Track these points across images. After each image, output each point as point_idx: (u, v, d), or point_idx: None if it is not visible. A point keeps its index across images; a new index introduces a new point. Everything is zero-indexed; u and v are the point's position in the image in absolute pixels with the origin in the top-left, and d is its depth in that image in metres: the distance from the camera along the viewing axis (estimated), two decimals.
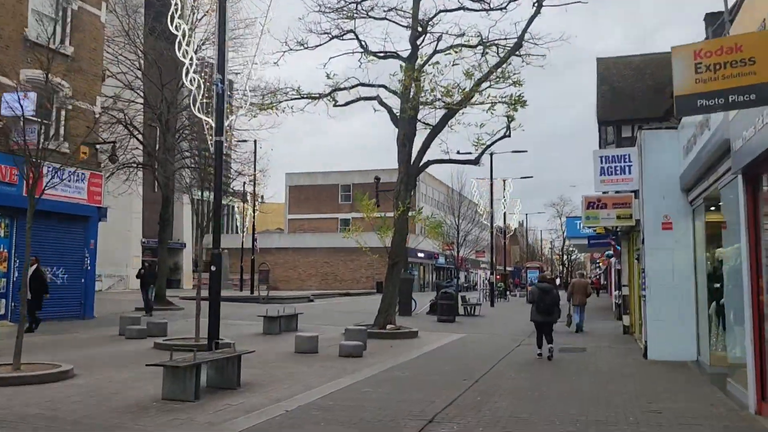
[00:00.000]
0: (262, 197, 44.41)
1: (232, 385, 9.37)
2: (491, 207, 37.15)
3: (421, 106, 17.10)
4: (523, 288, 58.07)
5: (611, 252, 21.67)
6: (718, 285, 12.07)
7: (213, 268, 11.85)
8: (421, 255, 60.99)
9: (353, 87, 18.30)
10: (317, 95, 18.42)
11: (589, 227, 19.33)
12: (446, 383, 10.34)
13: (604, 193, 13.70)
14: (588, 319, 24.58)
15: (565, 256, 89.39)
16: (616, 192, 13.72)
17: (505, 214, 41.25)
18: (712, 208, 11.66)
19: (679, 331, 12.74)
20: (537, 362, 13.07)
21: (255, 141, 33.78)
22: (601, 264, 61.83)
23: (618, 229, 20.12)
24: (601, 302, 41.82)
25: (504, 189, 39.27)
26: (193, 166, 27.06)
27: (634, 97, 27.69)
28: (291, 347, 13.91)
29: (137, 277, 25.76)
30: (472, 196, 35.81)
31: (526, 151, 48.02)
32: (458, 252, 28.15)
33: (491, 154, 37.55)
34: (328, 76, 18.02)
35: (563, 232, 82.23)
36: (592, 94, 33.40)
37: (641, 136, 13.26)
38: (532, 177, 42.02)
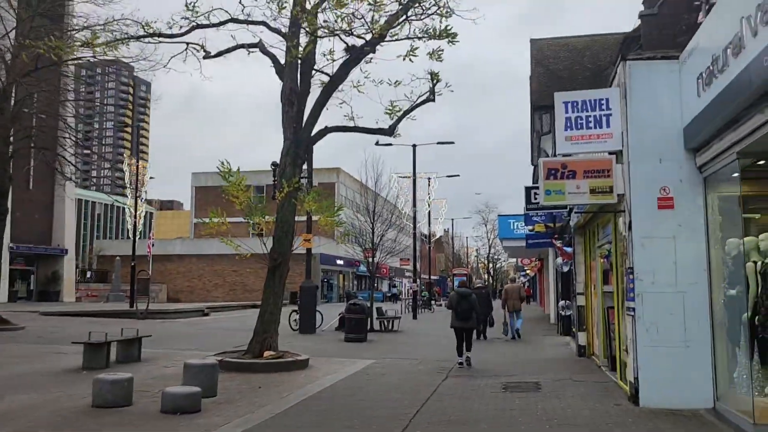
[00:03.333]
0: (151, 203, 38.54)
1: None
2: (414, 206, 32.74)
3: (316, 43, 12.31)
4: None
5: (559, 256, 17.44)
6: (751, 292, 7.85)
7: None
8: (340, 262, 56.15)
9: (222, 24, 13.29)
10: (171, 34, 13.30)
11: (548, 209, 15.01)
12: None
13: (565, 156, 9.23)
14: (526, 333, 20.84)
15: (490, 264, 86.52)
16: (590, 155, 9.36)
17: (429, 214, 37.11)
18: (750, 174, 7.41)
19: (686, 363, 8.39)
20: (473, 413, 8.45)
21: (136, 125, 28.09)
22: (529, 272, 58.80)
23: (567, 220, 15.89)
24: (530, 313, 38.07)
25: (429, 187, 35.08)
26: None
27: (573, 80, 24.24)
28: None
29: None
30: (392, 196, 31.36)
31: (458, 176, 44.26)
32: (374, 257, 23.35)
33: (414, 146, 33.23)
34: (188, 7, 12.91)
35: (489, 240, 79.28)
36: (525, 114, 29.57)
37: (625, 70, 8.91)
38: (458, 175, 38.07)
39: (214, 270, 52.77)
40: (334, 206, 13.65)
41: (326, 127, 13.83)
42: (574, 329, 16.37)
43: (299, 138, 13.29)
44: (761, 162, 7.52)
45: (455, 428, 7.61)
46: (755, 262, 8.09)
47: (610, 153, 9.06)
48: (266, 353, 12.57)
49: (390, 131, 14.12)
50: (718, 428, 7.35)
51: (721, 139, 7.58)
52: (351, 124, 14.08)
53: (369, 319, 22.08)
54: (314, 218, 15.01)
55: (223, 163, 12.60)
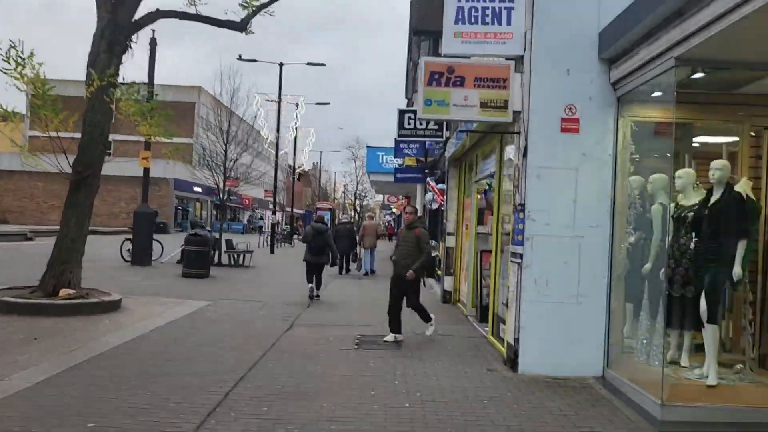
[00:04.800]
0: None
1: None
2: (277, 131, 29.98)
3: None
4: None
5: (430, 192, 15.81)
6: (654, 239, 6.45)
7: None
8: (197, 189, 52.19)
9: None
10: None
11: (428, 120, 13.09)
12: None
13: (454, 57, 7.19)
14: (388, 274, 19.44)
15: (357, 201, 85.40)
16: (483, 59, 7.36)
17: (295, 141, 34.51)
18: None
19: (577, 323, 6.89)
20: (314, 381, 6.47)
21: None
22: (395, 210, 58.25)
23: (441, 153, 14.18)
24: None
25: (297, 110, 32.35)
26: None
27: None
28: None
29: None
30: (251, 115, 28.26)
31: (329, 104, 41.49)
32: (224, 181, 20.64)
33: (281, 64, 30.22)
34: None
35: (358, 176, 77.78)
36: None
37: None
38: (329, 104, 35.58)
39: (51, 190, 47.02)
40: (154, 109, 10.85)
41: (157, 10, 10.89)
42: (439, 272, 14.95)
43: (119, 20, 10.28)
44: (697, 75, 5.90)
45: (284, 405, 5.59)
46: (662, 205, 6.64)
47: (508, 58, 7.16)
48: (63, 291, 9.86)
49: (242, 25, 11.47)
50: (615, 408, 5.87)
51: (651, 43, 5.85)
52: (192, 10, 11.25)
53: (216, 252, 19.61)
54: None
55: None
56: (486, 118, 7.12)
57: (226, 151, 20.49)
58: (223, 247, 20.32)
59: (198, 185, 49.90)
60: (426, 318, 9.00)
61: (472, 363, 7.47)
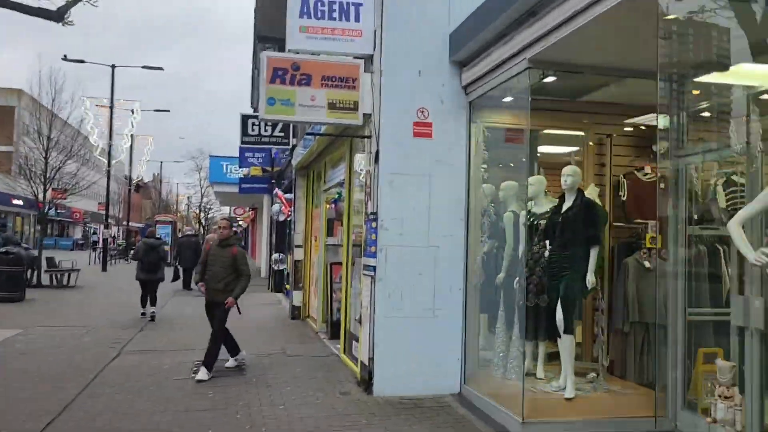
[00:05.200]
0: None
1: None
2: (110, 139, 27.61)
3: None
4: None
5: (278, 202, 15.02)
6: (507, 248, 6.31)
7: None
8: (18, 202, 47.06)
9: None
10: None
11: (273, 123, 12.25)
12: None
13: (295, 54, 6.58)
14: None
15: (202, 213, 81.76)
16: (333, 57, 6.79)
17: (131, 149, 32.04)
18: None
19: (434, 338, 6.52)
20: (139, 422, 5.53)
21: None
22: (242, 222, 56.40)
23: (288, 161, 13.51)
24: None
25: (132, 116, 29.99)
26: None
27: None
28: None
29: None
30: (76, 119, 25.67)
31: (168, 111, 39.15)
32: (45, 192, 18.44)
33: (113, 66, 27.95)
34: None
35: (202, 187, 74.43)
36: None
37: None
38: (168, 111, 33.56)
39: None
40: None
41: None
42: (287, 286, 14.23)
43: None
44: (549, 79, 5.77)
45: None
46: (514, 213, 6.51)
47: (358, 57, 6.68)
48: None
49: (58, 15, 10.05)
50: (476, 429, 5.53)
51: (504, 44, 5.64)
52: None
53: (35, 272, 17.42)
54: None
55: None
56: (335, 120, 6.58)
57: (46, 158, 18.30)
58: (44, 266, 18.12)
59: (18, 197, 45.06)
60: (233, 348, 7.77)
61: (324, 386, 6.86)
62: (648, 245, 6.36)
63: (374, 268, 6.45)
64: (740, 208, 6.53)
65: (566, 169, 5.84)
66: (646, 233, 6.78)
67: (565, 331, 5.56)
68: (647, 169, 6.98)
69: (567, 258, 5.69)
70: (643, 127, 7.30)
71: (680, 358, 5.43)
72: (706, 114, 5.83)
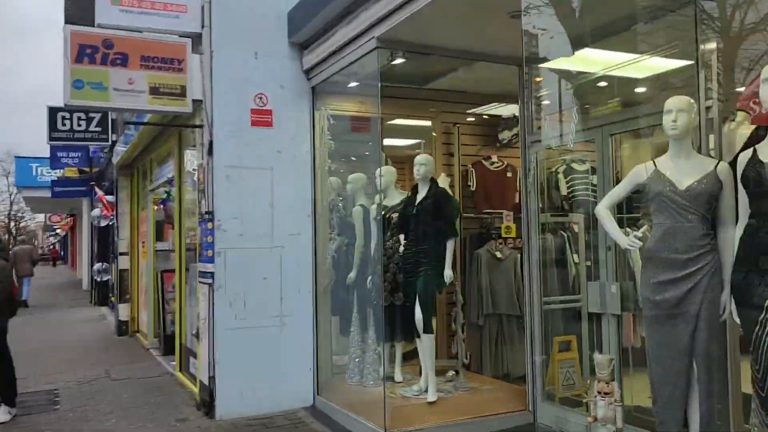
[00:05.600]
0: None
1: None
2: None
3: None
4: None
5: (98, 210, 13.42)
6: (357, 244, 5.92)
7: None
8: None
9: None
10: None
11: (83, 111, 10.71)
12: None
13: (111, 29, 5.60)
14: (49, 303, 17.50)
15: (12, 223, 73.45)
16: (154, 35, 5.88)
17: None
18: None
19: (282, 349, 5.89)
20: None
21: None
22: (59, 231, 51.50)
23: (109, 158, 12.09)
24: (58, 278, 32.50)
25: None
26: None
27: None
28: None
29: None
30: None
31: None
32: None
33: None
34: None
35: (12, 194, 66.85)
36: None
37: None
38: None
39: None
40: None
41: None
42: (113, 299, 12.79)
43: None
44: (398, 62, 5.38)
45: None
46: (363, 207, 6.10)
47: (184, 35, 5.86)
48: None
49: None
50: None
51: (350, 22, 5.16)
52: None
53: None
54: None
55: None
56: (159, 108, 5.71)
57: None
58: None
59: None
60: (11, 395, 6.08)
61: (157, 414, 5.97)
62: (504, 235, 6.23)
63: (212, 274, 5.68)
64: (581, 196, 6.73)
65: (419, 158, 5.49)
66: (495, 224, 6.69)
67: (425, 331, 5.21)
68: (494, 158, 6.89)
69: (423, 252, 5.34)
70: (485, 117, 7.22)
71: (537, 349, 5.31)
72: (551, 101, 5.78)
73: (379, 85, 4.99)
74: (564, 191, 6.71)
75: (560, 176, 6.70)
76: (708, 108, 3.47)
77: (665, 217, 3.24)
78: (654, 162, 3.37)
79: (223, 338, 5.69)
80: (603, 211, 3.53)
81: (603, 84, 5.25)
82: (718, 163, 3.23)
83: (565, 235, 6.46)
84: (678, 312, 3.20)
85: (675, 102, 3.26)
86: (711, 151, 3.46)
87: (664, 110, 3.28)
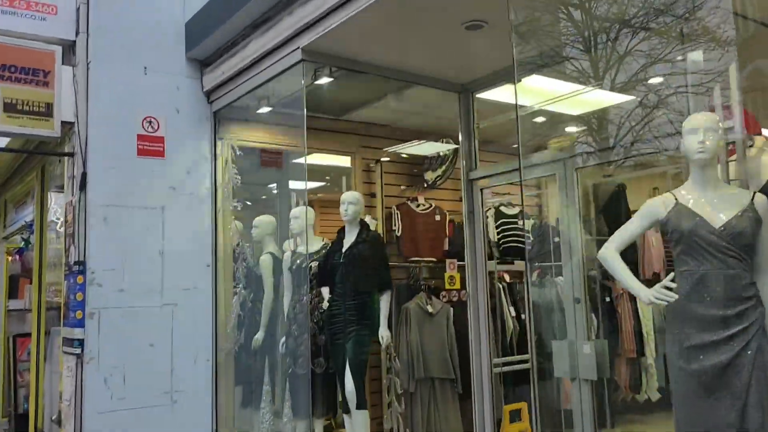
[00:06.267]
0: None
1: None
2: None
3: None
4: None
5: None
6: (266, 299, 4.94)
7: None
8: None
9: None
10: None
11: None
12: None
13: None
14: None
15: None
16: (14, 40, 4.66)
17: None
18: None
19: None
20: None
21: None
22: None
23: None
24: None
25: None
26: None
27: None
28: None
29: None
30: None
31: None
32: None
33: None
34: None
35: None
36: None
37: None
38: None
39: None
40: None
41: None
42: None
43: None
44: (324, 81, 4.53)
45: None
46: (272, 255, 5.17)
47: (53, 42, 4.70)
48: None
49: None
50: None
51: (267, 30, 4.28)
52: None
53: None
54: None
55: None
56: (16, 130, 4.47)
57: None
58: None
59: None
60: None
61: None
62: (447, 286, 5.44)
63: (81, 342, 4.43)
64: (511, 244, 6.11)
65: (347, 196, 4.62)
66: (424, 273, 5.92)
67: (359, 406, 4.25)
68: (420, 200, 6.15)
69: (353, 309, 4.42)
70: (404, 155, 6.51)
71: (489, 418, 4.52)
72: (492, 134, 5.16)
73: (304, 105, 4.11)
74: (494, 237, 6.09)
75: (489, 220, 6.08)
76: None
77: (697, 262, 2.56)
78: (673, 194, 2.71)
79: (95, 425, 4.41)
80: (611, 254, 2.81)
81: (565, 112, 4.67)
82: (754, 194, 2.61)
83: (499, 286, 5.81)
84: (721, 384, 2.50)
85: (701, 119, 2.63)
86: (732, 182, 2.87)
87: (687, 129, 2.64)
